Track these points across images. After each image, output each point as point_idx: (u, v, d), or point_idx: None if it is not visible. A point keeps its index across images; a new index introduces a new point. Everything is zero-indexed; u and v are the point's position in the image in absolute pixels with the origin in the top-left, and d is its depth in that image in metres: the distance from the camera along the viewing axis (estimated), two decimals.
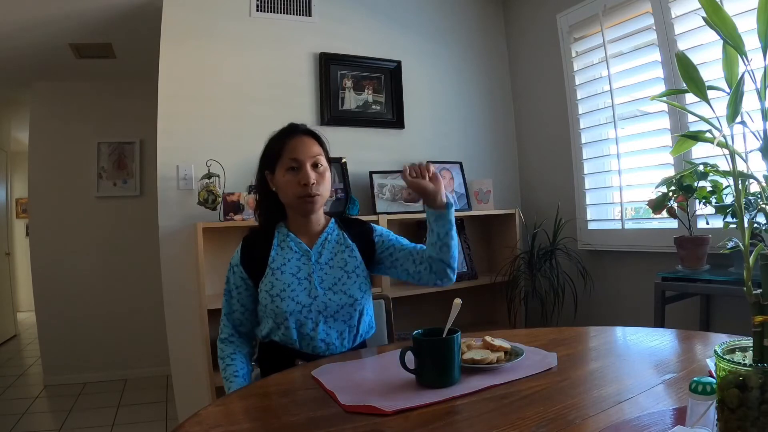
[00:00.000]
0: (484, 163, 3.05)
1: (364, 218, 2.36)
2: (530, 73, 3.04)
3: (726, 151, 0.63)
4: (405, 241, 1.38)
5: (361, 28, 2.77)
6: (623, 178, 2.45)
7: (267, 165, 1.33)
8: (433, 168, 1.26)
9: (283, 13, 2.58)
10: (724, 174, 0.74)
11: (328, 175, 1.32)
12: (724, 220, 1.73)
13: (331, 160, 1.36)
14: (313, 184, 1.27)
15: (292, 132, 1.33)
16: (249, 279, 1.31)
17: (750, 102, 0.62)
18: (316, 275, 1.28)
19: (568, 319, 2.52)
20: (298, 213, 1.32)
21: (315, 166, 1.29)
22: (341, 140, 2.63)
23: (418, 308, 2.65)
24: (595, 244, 2.61)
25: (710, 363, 0.83)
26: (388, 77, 2.79)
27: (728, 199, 1.77)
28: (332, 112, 2.63)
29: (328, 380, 0.95)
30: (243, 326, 1.35)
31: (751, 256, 0.62)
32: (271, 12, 2.55)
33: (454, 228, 1.28)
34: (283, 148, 1.30)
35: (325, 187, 1.31)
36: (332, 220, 1.39)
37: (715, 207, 1.82)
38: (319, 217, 1.36)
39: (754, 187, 1.37)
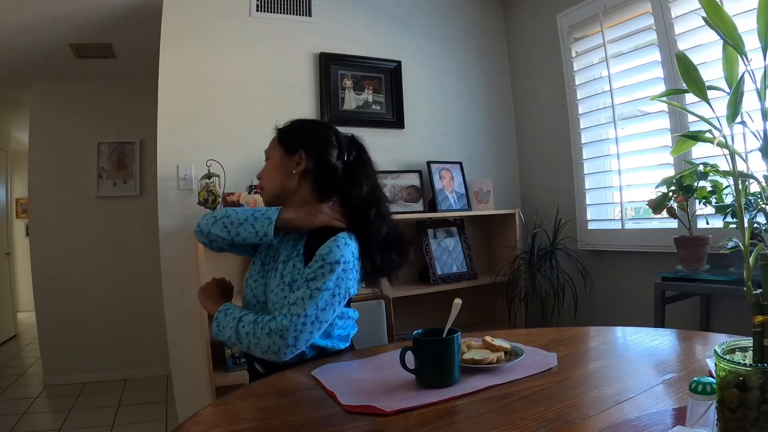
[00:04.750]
0: (484, 163, 3.05)
1: None
2: (530, 73, 3.04)
3: (726, 151, 0.63)
4: (298, 293, 1.08)
5: (361, 28, 2.77)
6: (623, 178, 2.44)
7: None
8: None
9: (283, 13, 2.58)
10: (724, 174, 0.74)
11: (267, 164, 1.25)
12: (724, 220, 1.73)
13: (294, 146, 1.23)
14: (260, 178, 1.27)
15: None
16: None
17: (750, 102, 0.62)
18: (273, 275, 1.20)
19: (568, 319, 2.52)
20: None
21: (267, 161, 1.28)
22: None
23: (418, 308, 2.65)
24: (595, 244, 2.61)
25: (710, 363, 0.83)
26: (388, 77, 2.79)
27: (728, 199, 1.77)
28: (332, 112, 2.63)
29: (329, 380, 0.95)
30: None
31: (751, 256, 0.62)
32: (271, 12, 2.55)
33: (223, 330, 1.15)
34: None
35: (264, 179, 1.25)
36: None
37: (715, 207, 1.81)
38: None
39: (754, 187, 1.37)
